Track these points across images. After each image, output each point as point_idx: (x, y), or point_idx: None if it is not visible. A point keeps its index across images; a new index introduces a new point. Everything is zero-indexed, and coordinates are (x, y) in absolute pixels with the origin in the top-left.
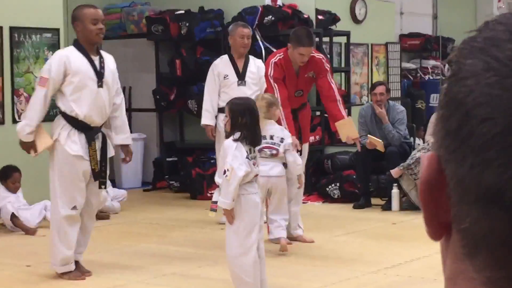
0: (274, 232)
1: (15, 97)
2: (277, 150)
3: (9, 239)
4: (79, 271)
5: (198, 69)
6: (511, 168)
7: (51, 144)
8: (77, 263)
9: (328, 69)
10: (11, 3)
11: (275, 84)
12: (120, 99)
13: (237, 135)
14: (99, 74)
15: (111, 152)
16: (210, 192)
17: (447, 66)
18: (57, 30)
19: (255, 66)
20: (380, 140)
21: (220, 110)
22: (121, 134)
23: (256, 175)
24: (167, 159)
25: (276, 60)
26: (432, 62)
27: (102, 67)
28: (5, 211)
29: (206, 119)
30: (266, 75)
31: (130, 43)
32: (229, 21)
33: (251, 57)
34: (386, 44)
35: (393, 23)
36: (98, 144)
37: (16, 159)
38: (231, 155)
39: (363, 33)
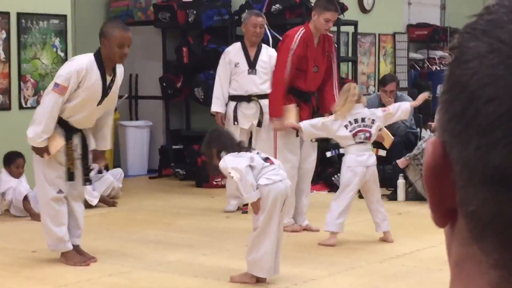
0: (382, 225)
1: (21, 83)
2: (370, 132)
3: (14, 224)
4: (84, 257)
5: (205, 57)
6: None
7: (63, 145)
8: (77, 247)
9: (334, 51)
10: None
11: (291, 61)
12: (111, 120)
13: (222, 154)
14: (104, 94)
15: (91, 145)
16: (215, 180)
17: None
18: (64, 16)
19: (267, 55)
20: (392, 137)
21: (231, 98)
22: (100, 141)
23: (269, 160)
24: (173, 146)
25: (301, 35)
26: (439, 53)
27: (110, 86)
28: (18, 192)
29: (217, 106)
30: (285, 48)
31: (137, 30)
32: (237, 9)
33: (264, 46)
34: (393, 34)
35: (401, 13)
36: (76, 141)
37: (22, 144)
38: (228, 164)
39: (371, 23)
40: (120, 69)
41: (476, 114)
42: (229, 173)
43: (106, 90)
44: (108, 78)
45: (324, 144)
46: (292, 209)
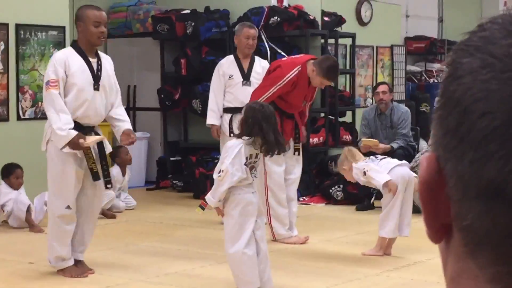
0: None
1: (20, 94)
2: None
3: (12, 236)
4: (82, 269)
5: (203, 68)
6: (510, 161)
7: (101, 138)
8: (79, 261)
9: None
10: (17, 1)
11: (272, 92)
12: (123, 111)
13: (245, 138)
14: (96, 77)
15: (108, 149)
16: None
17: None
18: (63, 27)
19: (261, 66)
20: (375, 140)
21: (225, 110)
22: (120, 125)
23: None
24: (171, 158)
25: (292, 76)
26: (437, 65)
27: (99, 69)
28: (21, 203)
29: (212, 118)
30: (273, 81)
31: (136, 42)
32: (235, 21)
33: (257, 58)
34: (391, 47)
35: (399, 26)
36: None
37: (20, 155)
38: (231, 157)
39: (369, 35)
40: (106, 56)
41: (470, 129)
42: (222, 170)
43: (96, 74)
44: (93, 61)
45: (322, 156)
46: (286, 220)
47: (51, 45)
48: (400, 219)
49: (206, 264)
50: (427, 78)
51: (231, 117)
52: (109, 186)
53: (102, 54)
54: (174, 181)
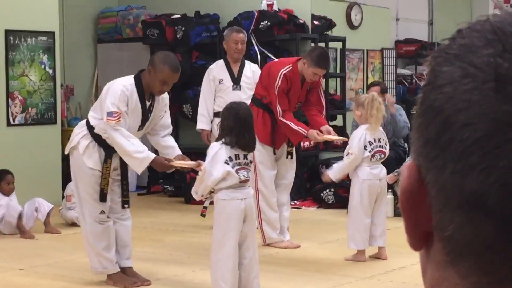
0: (379, 240)
1: (9, 100)
2: (385, 153)
3: (3, 242)
4: (136, 279)
5: (194, 73)
6: (494, 173)
7: (191, 164)
8: (130, 270)
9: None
10: (6, 6)
11: (278, 95)
12: (172, 140)
13: (226, 138)
14: (144, 120)
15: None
16: (204, 197)
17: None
18: (53, 33)
19: (251, 70)
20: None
21: (216, 114)
22: (173, 153)
23: (244, 181)
24: None
25: (286, 72)
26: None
27: (150, 111)
28: (12, 209)
29: (202, 123)
30: (271, 85)
31: (126, 47)
32: (225, 26)
33: (247, 62)
34: (381, 50)
35: (389, 29)
36: (116, 162)
37: (9, 161)
38: (210, 157)
39: (359, 39)
40: (162, 97)
41: (452, 139)
42: (201, 170)
43: (146, 115)
44: (147, 103)
45: (313, 160)
46: (277, 224)
47: (41, 51)
48: (373, 229)
49: (197, 269)
50: (418, 81)
51: None
52: (125, 206)
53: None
54: (165, 186)
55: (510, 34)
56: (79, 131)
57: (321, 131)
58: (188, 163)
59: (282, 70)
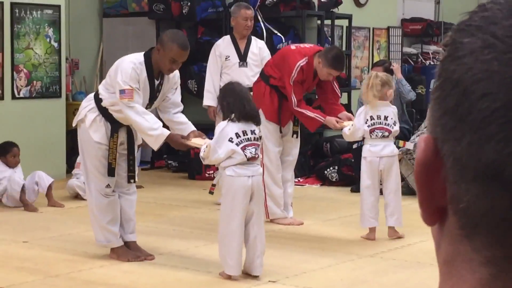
0: (388, 219)
1: (14, 73)
2: (390, 131)
3: (6, 214)
4: (139, 253)
5: (199, 49)
6: (511, 143)
7: (205, 142)
8: (133, 244)
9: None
10: None
11: (294, 86)
12: (183, 117)
13: (230, 116)
14: (152, 98)
15: (139, 141)
16: (208, 172)
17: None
18: (58, 6)
19: (257, 47)
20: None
21: None
22: (185, 130)
23: (252, 158)
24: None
25: (302, 64)
26: (433, 48)
27: (159, 90)
28: (14, 182)
29: (208, 100)
30: (287, 74)
31: (131, 21)
32: (231, 2)
33: (253, 38)
34: (387, 28)
35: (395, 7)
36: (122, 136)
37: (15, 134)
38: (216, 134)
39: (365, 17)
40: (172, 75)
41: (470, 109)
42: (206, 145)
43: (154, 94)
44: (156, 82)
45: (317, 137)
46: (281, 200)
47: (46, 24)
48: (385, 208)
49: (200, 244)
50: (423, 60)
51: None
52: (131, 180)
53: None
54: (169, 161)
55: None
56: (87, 104)
57: (339, 118)
58: (204, 142)
59: (300, 62)
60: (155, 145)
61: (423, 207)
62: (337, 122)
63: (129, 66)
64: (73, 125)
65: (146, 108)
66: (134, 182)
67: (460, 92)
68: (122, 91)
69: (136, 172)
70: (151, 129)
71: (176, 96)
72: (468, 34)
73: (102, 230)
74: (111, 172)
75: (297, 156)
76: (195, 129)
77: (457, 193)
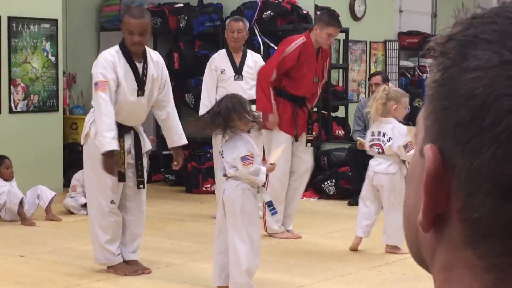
0: (383, 236)
1: (12, 87)
2: (381, 147)
3: (4, 228)
4: (136, 267)
5: (196, 62)
6: None
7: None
8: (133, 261)
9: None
10: None
11: (282, 62)
12: (171, 108)
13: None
14: (141, 83)
15: (147, 147)
16: (205, 186)
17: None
18: (55, 20)
19: (253, 60)
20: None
21: None
22: (171, 137)
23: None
24: (163, 152)
25: (300, 43)
26: (430, 61)
27: (144, 74)
28: (14, 195)
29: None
30: (280, 50)
31: None
32: (228, 16)
33: (249, 51)
34: (384, 42)
35: (392, 21)
36: (129, 142)
37: (11, 148)
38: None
39: (362, 30)
40: (154, 56)
41: (492, 124)
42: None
43: (140, 78)
44: (139, 66)
45: (314, 150)
46: (280, 216)
47: (44, 38)
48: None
49: (198, 258)
50: (420, 74)
51: None
52: (141, 186)
53: (150, 55)
54: (166, 175)
55: None
56: (89, 118)
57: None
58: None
59: (296, 41)
60: (101, 149)
61: (425, 215)
62: (270, 124)
63: (103, 56)
64: (82, 142)
65: (139, 95)
66: (144, 187)
67: (478, 105)
68: (95, 84)
69: (145, 179)
70: (100, 135)
71: (167, 91)
72: (480, 46)
73: (101, 249)
74: (122, 177)
75: (311, 164)
76: (178, 146)
77: (471, 204)
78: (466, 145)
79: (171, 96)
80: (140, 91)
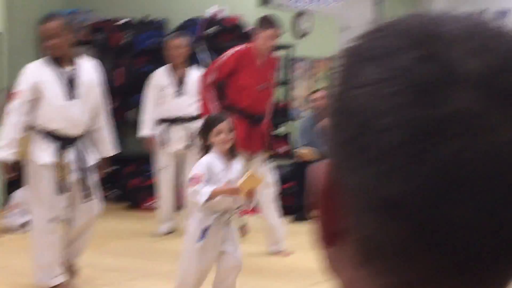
0: None
1: None
2: None
3: None
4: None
5: (139, 79)
6: (413, 179)
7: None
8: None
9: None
10: None
11: (217, 68)
12: (102, 119)
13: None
14: (70, 86)
15: (91, 161)
16: (148, 203)
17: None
18: None
19: (195, 76)
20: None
21: (159, 121)
22: (99, 147)
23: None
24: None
25: (237, 50)
26: None
27: (74, 78)
28: None
29: (145, 130)
30: (217, 59)
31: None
32: (173, 31)
33: (192, 68)
34: (327, 59)
35: (336, 38)
36: (72, 155)
37: None
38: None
39: (306, 47)
40: (88, 63)
41: (370, 143)
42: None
43: (69, 82)
44: (68, 69)
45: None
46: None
47: None
48: None
49: (139, 276)
50: None
51: (164, 128)
52: (87, 198)
53: (84, 61)
54: (109, 191)
55: (434, 37)
56: (25, 139)
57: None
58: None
59: (234, 49)
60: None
61: (322, 230)
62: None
63: (25, 69)
64: (19, 159)
65: (72, 99)
66: (90, 199)
67: (359, 124)
68: (13, 93)
69: (98, 194)
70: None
71: (96, 99)
72: (363, 63)
73: (40, 269)
74: (61, 189)
75: (275, 183)
76: (104, 156)
77: (357, 222)
78: (349, 163)
79: (104, 105)
80: (71, 94)
